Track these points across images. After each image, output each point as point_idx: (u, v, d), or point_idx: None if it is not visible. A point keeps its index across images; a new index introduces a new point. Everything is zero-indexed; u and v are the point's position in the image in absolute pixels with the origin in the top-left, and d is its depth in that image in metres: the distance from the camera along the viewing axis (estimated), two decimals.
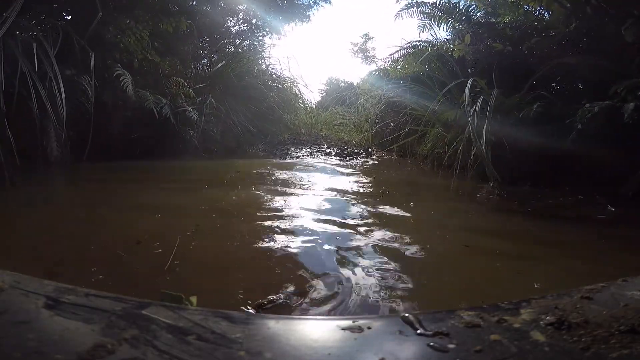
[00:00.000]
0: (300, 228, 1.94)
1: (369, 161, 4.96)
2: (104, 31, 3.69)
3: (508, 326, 0.39)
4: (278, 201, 2.56)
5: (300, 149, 5.73)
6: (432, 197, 3.19)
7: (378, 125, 5.72)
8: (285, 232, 1.88)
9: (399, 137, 4.84)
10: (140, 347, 0.33)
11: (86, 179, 3.11)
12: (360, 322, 0.40)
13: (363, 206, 2.54)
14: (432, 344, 0.36)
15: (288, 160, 4.74)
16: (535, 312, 0.42)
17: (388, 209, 2.48)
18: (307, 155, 5.26)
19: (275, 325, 0.41)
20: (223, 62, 5.30)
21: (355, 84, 8.96)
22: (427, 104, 4.30)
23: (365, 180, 3.65)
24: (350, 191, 3.05)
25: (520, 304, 0.44)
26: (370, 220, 2.21)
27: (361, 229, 1.99)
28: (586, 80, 3.23)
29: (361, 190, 3.16)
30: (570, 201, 2.69)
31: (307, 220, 2.08)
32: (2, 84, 2.82)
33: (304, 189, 3.10)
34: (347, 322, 0.40)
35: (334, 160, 4.93)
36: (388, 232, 1.94)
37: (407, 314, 0.41)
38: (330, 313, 1.16)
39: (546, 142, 2.84)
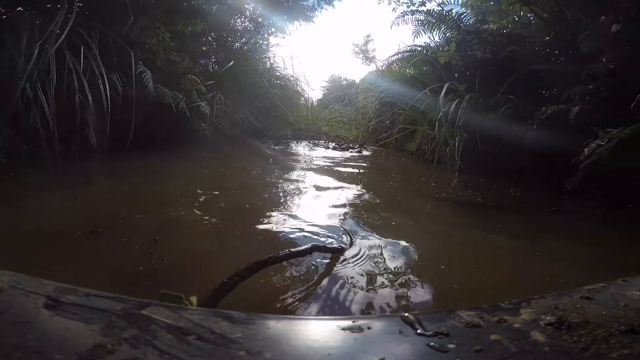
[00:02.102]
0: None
1: (361, 154, 5.50)
2: (129, 32, 4.12)
3: (508, 326, 0.39)
4: (281, 176, 3.63)
5: (300, 142, 6.32)
6: (403, 179, 4.05)
7: (374, 123, 6.13)
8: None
9: (392, 134, 5.28)
10: (140, 347, 0.33)
11: (128, 159, 3.80)
12: (360, 322, 0.40)
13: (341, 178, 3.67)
14: (432, 344, 0.36)
15: (289, 151, 5.40)
16: (535, 312, 0.42)
17: (364, 189, 3.28)
18: (307, 148, 5.81)
19: (275, 325, 0.41)
20: (232, 62, 5.63)
21: (357, 81, 9.11)
22: (416, 104, 4.70)
23: (350, 169, 4.30)
24: (338, 176, 3.83)
25: (520, 304, 0.44)
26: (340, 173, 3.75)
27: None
28: (554, 85, 3.57)
29: (346, 175, 3.96)
30: (517, 192, 3.20)
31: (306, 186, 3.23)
32: (53, 79, 3.32)
33: (304, 169, 4.06)
34: (347, 322, 0.40)
35: (331, 153, 5.49)
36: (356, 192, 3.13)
37: (407, 314, 0.41)
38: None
39: (511, 140, 3.25)
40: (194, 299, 0.76)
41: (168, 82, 4.41)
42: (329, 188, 3.14)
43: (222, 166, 4.06)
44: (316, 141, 6.59)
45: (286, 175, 3.62)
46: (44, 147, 3.20)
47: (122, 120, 3.83)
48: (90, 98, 3.54)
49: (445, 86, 4.01)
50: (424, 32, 5.43)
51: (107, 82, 3.70)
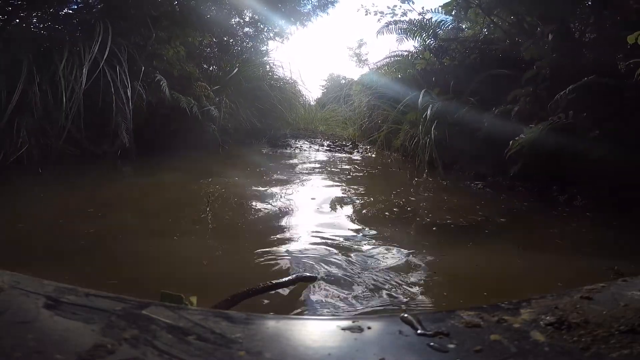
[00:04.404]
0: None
1: (352, 150, 6.17)
2: (147, 43, 4.66)
3: (508, 326, 0.39)
4: (283, 164, 4.71)
5: (298, 141, 6.89)
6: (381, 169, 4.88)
7: (366, 122, 6.58)
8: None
9: (380, 132, 5.77)
10: (140, 347, 0.33)
11: (161, 157, 4.37)
12: (360, 322, 0.40)
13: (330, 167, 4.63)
14: (432, 344, 0.36)
15: (288, 150, 6.06)
16: (535, 312, 0.42)
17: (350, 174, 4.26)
18: (305, 145, 6.54)
19: (275, 325, 0.41)
20: (236, 70, 6.08)
21: (356, 80, 9.24)
22: (398, 105, 5.17)
23: (344, 158, 5.22)
24: (331, 165, 4.72)
25: (520, 304, 0.44)
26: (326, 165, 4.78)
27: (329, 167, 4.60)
28: (507, 89, 3.96)
29: (337, 163, 4.92)
30: (466, 178, 3.84)
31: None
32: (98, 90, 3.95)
33: (303, 163, 4.99)
34: (347, 322, 0.40)
35: (326, 149, 6.26)
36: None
37: (407, 314, 0.41)
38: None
39: (471, 133, 3.74)
40: (194, 299, 0.76)
41: (181, 89, 4.88)
42: (321, 186, 3.60)
43: (232, 162, 4.72)
44: (313, 139, 7.12)
45: (285, 175, 4.11)
46: (87, 146, 3.85)
47: (145, 123, 4.35)
48: (126, 107, 4.07)
49: (422, 91, 4.59)
50: (407, 39, 5.92)
51: (133, 90, 4.17)
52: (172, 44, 4.74)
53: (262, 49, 7.26)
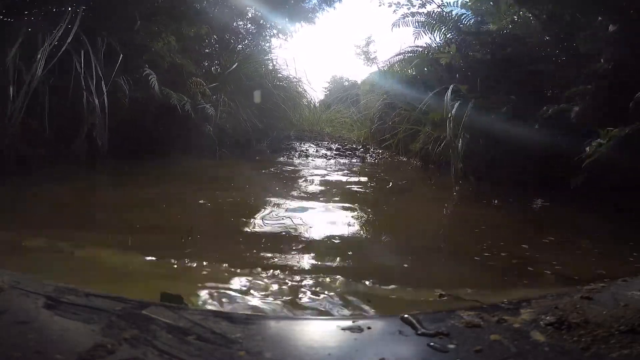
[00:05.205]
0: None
1: (365, 155, 5.48)
2: (135, 36, 4.18)
3: (508, 326, 0.39)
4: (289, 173, 3.99)
5: (304, 144, 6.24)
6: (406, 175, 4.24)
7: (377, 124, 6.06)
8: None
9: (395, 135, 5.20)
10: (140, 347, 0.33)
11: (135, 162, 3.77)
12: (360, 322, 0.40)
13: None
14: (432, 344, 0.36)
15: (293, 156, 5.29)
16: (535, 312, 0.41)
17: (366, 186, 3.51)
18: (311, 149, 5.78)
19: (275, 325, 0.41)
20: (236, 65, 5.65)
21: (358, 82, 9.12)
22: (418, 105, 4.61)
23: (357, 165, 4.51)
24: (345, 174, 3.96)
25: (520, 304, 0.44)
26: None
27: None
28: (553, 86, 3.51)
29: (351, 171, 4.19)
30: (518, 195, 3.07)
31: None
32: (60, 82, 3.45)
33: (311, 173, 4.08)
34: (347, 322, 0.40)
35: (335, 153, 5.52)
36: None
37: (407, 315, 0.40)
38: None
39: (511, 140, 3.22)
40: (194, 299, 0.76)
41: (174, 85, 4.43)
42: (338, 210, 2.50)
43: (232, 167, 4.20)
44: (319, 142, 6.53)
45: (291, 190, 3.12)
46: (51, 149, 3.29)
47: (130, 122, 3.89)
48: (96, 101, 3.59)
49: (451, 87, 3.96)
50: (425, 33, 5.41)
51: (114, 85, 3.78)
52: (162, 35, 4.36)
53: (265, 45, 6.94)
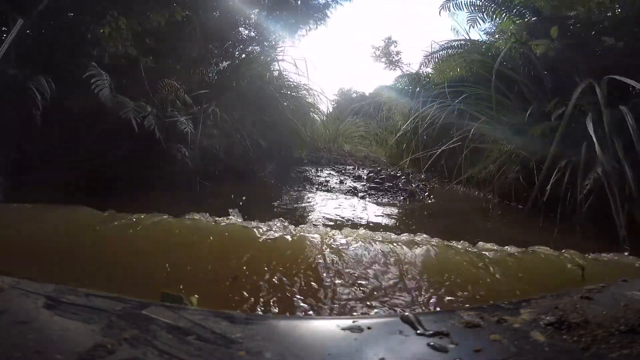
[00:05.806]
0: None
1: (415, 189, 3.72)
2: (75, 23, 2.92)
3: (508, 326, 0.39)
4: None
5: (321, 170, 4.69)
6: None
7: (413, 142, 4.71)
8: None
9: (441, 154, 3.77)
10: (140, 347, 0.33)
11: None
12: (360, 322, 0.40)
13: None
14: (432, 343, 0.36)
15: (307, 196, 3.43)
16: (535, 312, 0.42)
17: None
18: (333, 180, 4.14)
19: (275, 325, 0.41)
20: (229, 62, 4.62)
21: (367, 94, 8.61)
22: (480, 115, 3.50)
23: (408, 207, 3.01)
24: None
25: (520, 304, 0.44)
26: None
27: None
28: None
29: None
30: None
31: None
32: None
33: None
34: (347, 322, 0.40)
35: (368, 188, 3.79)
36: None
37: (407, 314, 0.40)
38: None
39: None
40: (194, 299, 0.76)
41: (135, 91, 3.11)
42: None
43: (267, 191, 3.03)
44: (342, 167, 4.95)
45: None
46: None
47: (59, 144, 2.61)
48: None
49: (581, 87, 2.66)
50: (484, 19, 4.35)
51: (9, 89, 2.37)
52: (113, 18, 2.95)
53: (270, 49, 6.50)
